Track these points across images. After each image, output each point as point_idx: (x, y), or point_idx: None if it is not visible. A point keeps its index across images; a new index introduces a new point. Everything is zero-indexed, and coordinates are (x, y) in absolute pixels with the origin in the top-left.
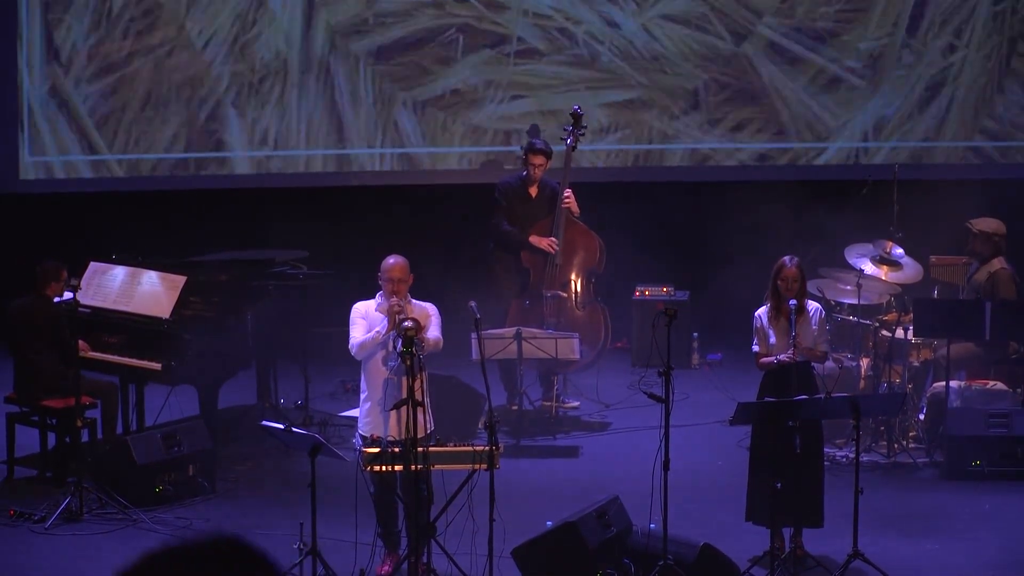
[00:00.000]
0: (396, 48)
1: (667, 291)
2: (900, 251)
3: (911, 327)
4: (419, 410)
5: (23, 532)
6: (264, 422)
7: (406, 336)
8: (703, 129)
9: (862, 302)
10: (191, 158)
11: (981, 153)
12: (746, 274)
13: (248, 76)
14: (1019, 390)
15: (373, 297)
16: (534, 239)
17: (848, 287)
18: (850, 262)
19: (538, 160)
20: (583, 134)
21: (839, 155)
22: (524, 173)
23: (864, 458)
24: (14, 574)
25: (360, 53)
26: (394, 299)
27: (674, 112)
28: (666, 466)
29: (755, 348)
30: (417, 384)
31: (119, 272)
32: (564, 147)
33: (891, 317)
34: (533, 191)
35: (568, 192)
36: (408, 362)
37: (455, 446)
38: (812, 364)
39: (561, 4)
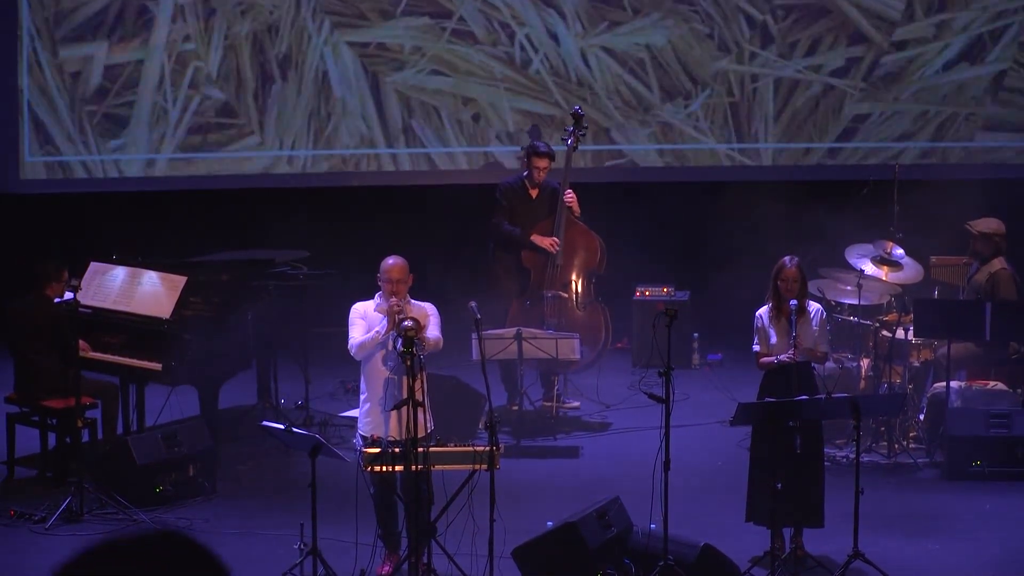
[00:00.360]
0: None
1: (667, 291)
2: (900, 251)
3: (911, 327)
4: (419, 410)
5: (23, 532)
6: (264, 422)
7: (406, 336)
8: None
9: (862, 302)
10: (192, 159)
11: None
12: (746, 274)
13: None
14: (1019, 390)
15: (372, 297)
16: (536, 238)
17: (848, 287)
18: (850, 262)
19: (543, 163)
20: (584, 135)
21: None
22: (525, 174)
23: (864, 458)
24: (14, 574)
25: None
26: (394, 299)
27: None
28: (666, 466)
29: (755, 348)
30: (417, 384)
31: (119, 272)
32: (565, 148)
33: (891, 317)
34: (534, 192)
35: (570, 192)
36: (408, 362)
37: (455, 446)
38: (812, 364)
39: (512, 1)
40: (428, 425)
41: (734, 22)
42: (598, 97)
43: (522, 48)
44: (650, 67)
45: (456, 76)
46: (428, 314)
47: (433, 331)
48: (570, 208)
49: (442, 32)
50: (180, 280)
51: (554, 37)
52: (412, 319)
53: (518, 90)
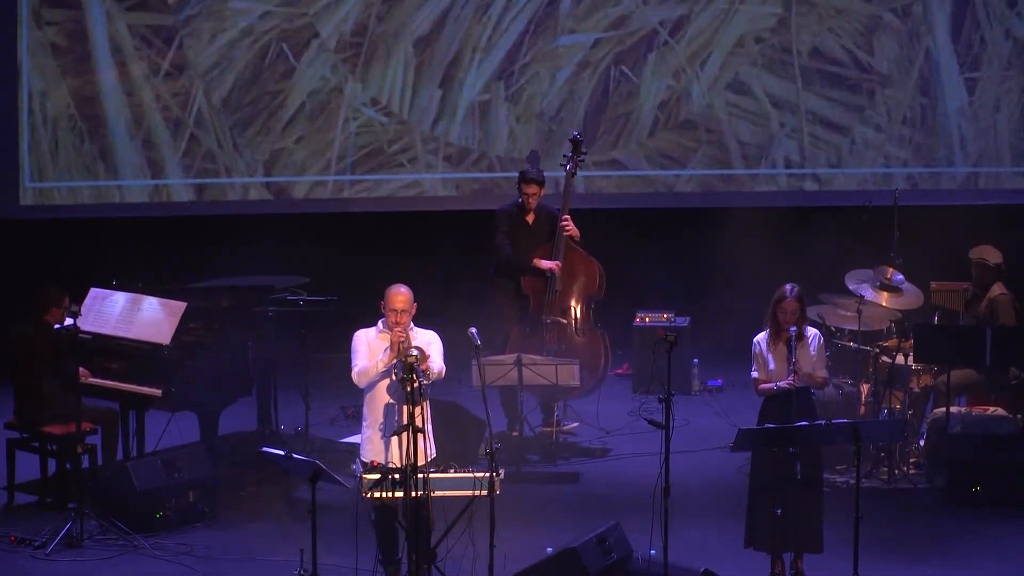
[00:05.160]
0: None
1: (667, 317)
2: (900, 277)
3: (911, 353)
4: (420, 437)
5: (24, 558)
6: (264, 448)
7: (406, 363)
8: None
9: (862, 328)
10: (192, 184)
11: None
12: (746, 301)
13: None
14: (1020, 416)
15: (375, 324)
16: (537, 261)
17: (848, 313)
18: (850, 288)
19: (531, 189)
20: (583, 160)
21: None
22: (519, 200)
23: (864, 484)
24: None
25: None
26: (398, 329)
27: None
28: (666, 492)
29: (754, 374)
30: (419, 411)
31: (119, 298)
32: (563, 173)
33: (891, 343)
34: (530, 218)
35: (567, 218)
36: (408, 388)
37: (456, 472)
38: (812, 390)
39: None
40: (430, 452)
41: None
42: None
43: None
44: None
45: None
46: (431, 342)
47: (437, 360)
48: (569, 234)
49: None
50: (180, 306)
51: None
52: (417, 348)
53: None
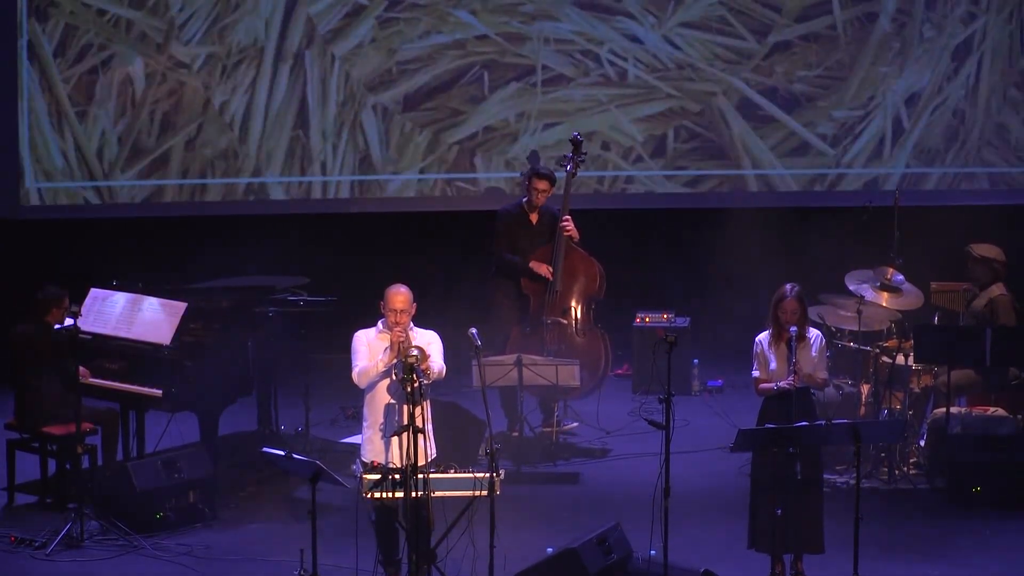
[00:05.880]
0: (423, 94)
1: (667, 318)
2: (900, 277)
3: (912, 353)
4: (421, 437)
5: (24, 558)
6: (265, 448)
7: (407, 364)
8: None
9: (862, 328)
10: (193, 184)
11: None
12: (746, 301)
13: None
14: (1020, 416)
15: (375, 324)
16: (533, 264)
17: (848, 313)
18: (850, 288)
19: (542, 185)
20: (583, 161)
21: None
22: (525, 199)
23: (864, 484)
24: None
25: (388, 103)
26: (398, 329)
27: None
28: (667, 493)
29: (755, 373)
30: (419, 411)
31: (120, 298)
32: (564, 174)
33: (892, 343)
34: (534, 218)
35: (567, 218)
36: (408, 388)
37: (456, 472)
38: (812, 390)
39: (581, 27)
40: (430, 452)
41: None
42: (701, 69)
43: (611, 64)
44: (732, 18)
45: (569, 120)
46: (431, 342)
47: (437, 360)
48: (569, 234)
49: (534, 88)
50: (180, 306)
51: (636, 39)
52: (417, 348)
53: (629, 102)
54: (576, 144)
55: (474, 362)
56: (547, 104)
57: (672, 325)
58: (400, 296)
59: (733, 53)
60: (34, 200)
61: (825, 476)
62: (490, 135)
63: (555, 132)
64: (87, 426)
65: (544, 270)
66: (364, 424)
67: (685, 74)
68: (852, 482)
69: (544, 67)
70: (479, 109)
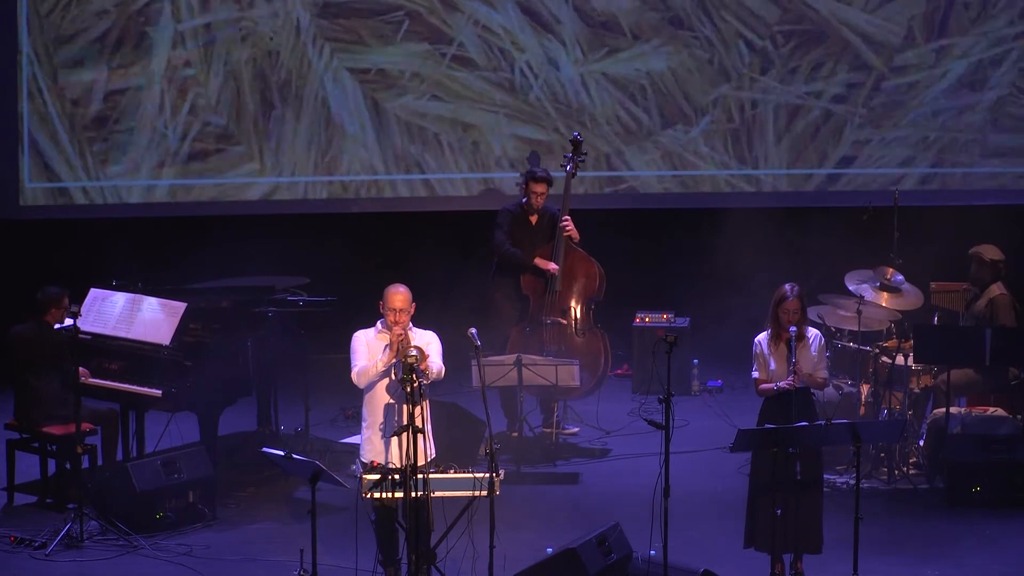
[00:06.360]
0: (342, 10)
1: (667, 318)
2: (900, 277)
3: (911, 353)
4: (420, 437)
5: (24, 558)
6: (264, 449)
7: (406, 364)
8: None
9: (862, 328)
10: (192, 185)
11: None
12: (746, 301)
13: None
14: (1019, 416)
15: (374, 325)
16: (539, 260)
17: (848, 314)
18: (850, 288)
19: (540, 188)
20: (583, 161)
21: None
22: (524, 200)
23: (864, 484)
24: None
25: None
26: (397, 328)
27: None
28: (666, 493)
29: (755, 374)
30: (419, 411)
31: (119, 298)
32: (564, 174)
33: (891, 343)
34: (533, 219)
35: (567, 219)
36: (408, 389)
37: (455, 473)
38: (812, 391)
39: (511, 26)
40: (430, 452)
41: (733, 48)
42: (598, 123)
43: (522, 74)
44: (650, 93)
45: (456, 102)
46: (430, 342)
47: (436, 360)
48: (569, 235)
49: (442, 58)
50: (180, 306)
51: (554, 63)
52: (416, 348)
53: (517, 116)
54: (576, 144)
55: (474, 362)
56: (444, 77)
57: (672, 325)
58: (399, 296)
59: (633, 121)
60: (34, 200)
61: (825, 476)
62: (380, 77)
63: (437, 105)
64: (87, 426)
65: (551, 266)
66: (364, 424)
67: (578, 119)
68: (852, 482)
69: (459, 44)
70: (383, 50)
